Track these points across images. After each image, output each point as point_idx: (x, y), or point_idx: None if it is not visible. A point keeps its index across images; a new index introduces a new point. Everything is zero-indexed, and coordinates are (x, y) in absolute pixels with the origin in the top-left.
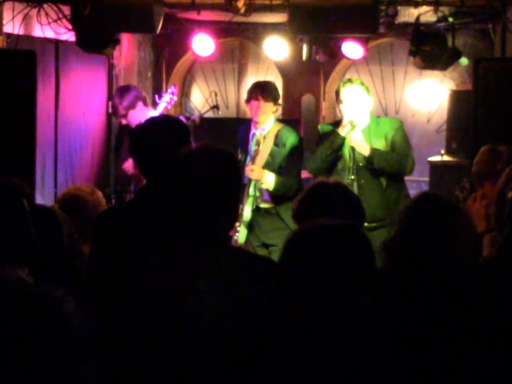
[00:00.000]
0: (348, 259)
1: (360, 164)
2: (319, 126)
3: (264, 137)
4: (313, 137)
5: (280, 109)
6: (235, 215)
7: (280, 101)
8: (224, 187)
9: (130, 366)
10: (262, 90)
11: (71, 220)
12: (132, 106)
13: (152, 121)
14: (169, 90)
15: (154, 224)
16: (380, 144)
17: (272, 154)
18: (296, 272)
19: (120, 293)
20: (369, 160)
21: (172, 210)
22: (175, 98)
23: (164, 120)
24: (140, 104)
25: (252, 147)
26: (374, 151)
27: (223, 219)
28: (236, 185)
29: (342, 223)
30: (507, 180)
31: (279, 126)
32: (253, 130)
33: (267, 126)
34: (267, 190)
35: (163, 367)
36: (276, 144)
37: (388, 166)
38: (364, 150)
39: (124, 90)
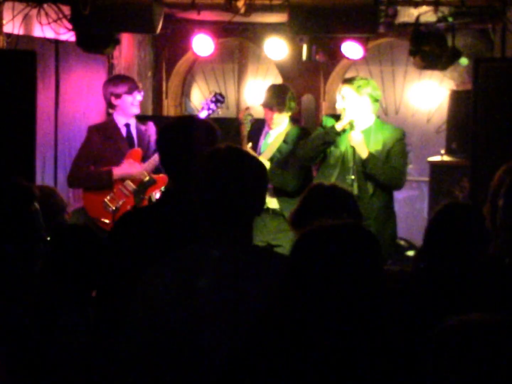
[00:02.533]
0: (358, 258)
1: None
2: (324, 117)
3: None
4: None
5: (296, 108)
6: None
7: (293, 105)
8: (255, 187)
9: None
10: (278, 103)
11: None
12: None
13: (181, 121)
14: (213, 98)
15: (180, 226)
16: (377, 150)
17: (280, 150)
18: (305, 273)
19: (149, 294)
20: (363, 163)
21: (202, 210)
22: (214, 106)
23: (194, 121)
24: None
25: (263, 145)
26: (371, 155)
27: (252, 218)
28: (264, 185)
29: (348, 222)
30: (500, 181)
31: (291, 126)
32: (266, 129)
33: (280, 128)
34: None
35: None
36: (285, 141)
37: (380, 175)
38: (362, 151)
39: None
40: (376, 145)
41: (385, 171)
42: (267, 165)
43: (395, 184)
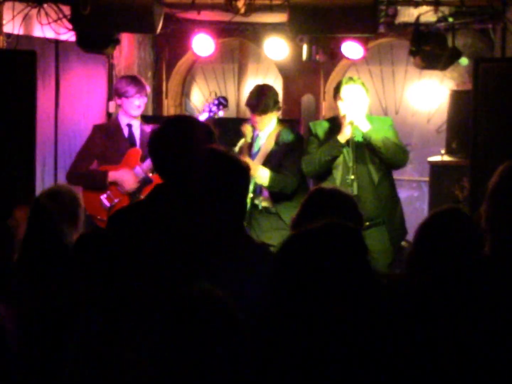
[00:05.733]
0: (344, 259)
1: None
2: (311, 124)
3: (252, 127)
4: None
5: (281, 109)
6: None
7: (278, 107)
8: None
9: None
10: (255, 107)
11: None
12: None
13: (172, 121)
14: (215, 101)
15: (172, 222)
16: None
17: (272, 153)
18: (290, 277)
19: None
20: (367, 136)
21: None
22: (216, 109)
23: (185, 121)
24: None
25: (255, 147)
26: (373, 129)
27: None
28: (243, 186)
29: (334, 224)
30: (500, 179)
31: (281, 126)
32: (256, 132)
33: (268, 129)
34: (263, 186)
35: None
36: (277, 143)
37: (384, 148)
38: (364, 125)
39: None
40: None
41: (388, 143)
42: (266, 173)
43: (400, 160)
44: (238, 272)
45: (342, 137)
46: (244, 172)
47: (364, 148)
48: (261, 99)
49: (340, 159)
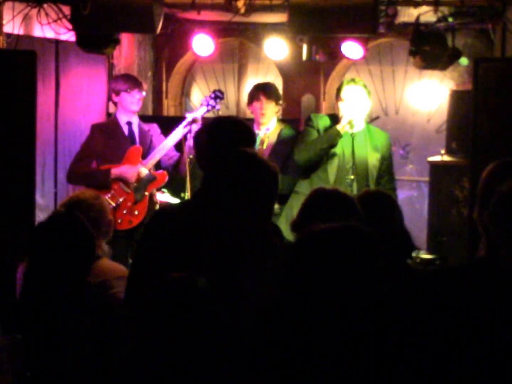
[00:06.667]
0: (356, 260)
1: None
2: (312, 115)
3: (268, 137)
4: None
5: (281, 109)
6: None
7: (281, 101)
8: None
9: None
10: (264, 91)
11: None
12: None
13: (219, 121)
14: (212, 95)
15: (206, 224)
16: (375, 156)
17: (274, 153)
18: (303, 277)
19: None
20: None
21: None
22: (214, 103)
23: (232, 122)
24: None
25: (256, 146)
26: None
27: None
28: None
29: (346, 225)
30: (487, 179)
31: (281, 125)
32: (255, 131)
33: (270, 126)
34: None
35: None
36: (278, 143)
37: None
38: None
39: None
40: (374, 150)
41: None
42: None
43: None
44: (264, 273)
45: (340, 127)
46: (274, 176)
47: (365, 149)
48: (269, 86)
49: (334, 158)
